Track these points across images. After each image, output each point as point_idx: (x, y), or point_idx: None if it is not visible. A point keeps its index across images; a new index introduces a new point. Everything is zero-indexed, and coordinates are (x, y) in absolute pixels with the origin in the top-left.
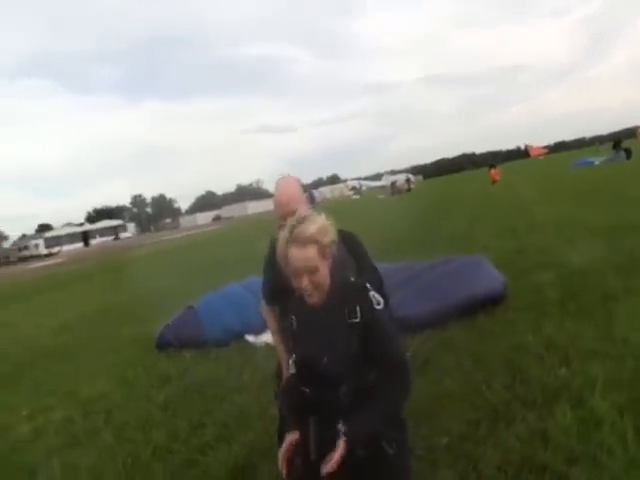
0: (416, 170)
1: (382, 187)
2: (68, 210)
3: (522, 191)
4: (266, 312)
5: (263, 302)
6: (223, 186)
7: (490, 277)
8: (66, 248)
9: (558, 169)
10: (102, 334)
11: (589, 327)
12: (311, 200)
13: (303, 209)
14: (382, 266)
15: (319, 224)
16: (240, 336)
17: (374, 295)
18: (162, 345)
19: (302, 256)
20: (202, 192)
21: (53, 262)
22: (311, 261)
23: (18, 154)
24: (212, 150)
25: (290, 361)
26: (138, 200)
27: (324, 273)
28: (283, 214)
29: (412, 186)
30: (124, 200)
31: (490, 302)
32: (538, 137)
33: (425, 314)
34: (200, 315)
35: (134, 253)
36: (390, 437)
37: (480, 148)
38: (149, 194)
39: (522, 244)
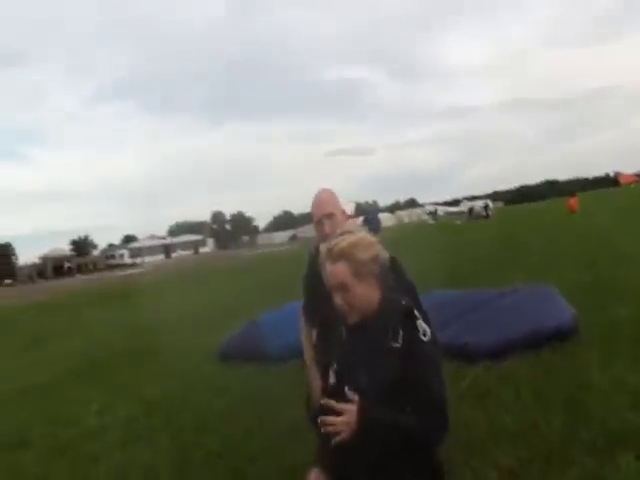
0: (496, 196)
1: (459, 213)
2: (152, 223)
3: (607, 221)
4: (304, 335)
5: (302, 323)
6: (300, 206)
7: (559, 309)
8: (148, 259)
9: None
10: (173, 341)
11: None
12: (371, 224)
13: (347, 224)
14: (448, 292)
15: (355, 238)
16: (300, 353)
17: (421, 324)
18: (225, 356)
19: (333, 272)
20: (279, 211)
21: (136, 271)
22: (341, 277)
23: (108, 170)
24: (291, 171)
25: (331, 371)
26: (218, 216)
27: (359, 293)
28: (318, 217)
29: (490, 212)
30: (205, 216)
31: (557, 335)
32: (628, 164)
33: (487, 343)
34: (263, 330)
35: (212, 266)
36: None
37: (564, 175)
38: (228, 211)
39: (601, 277)
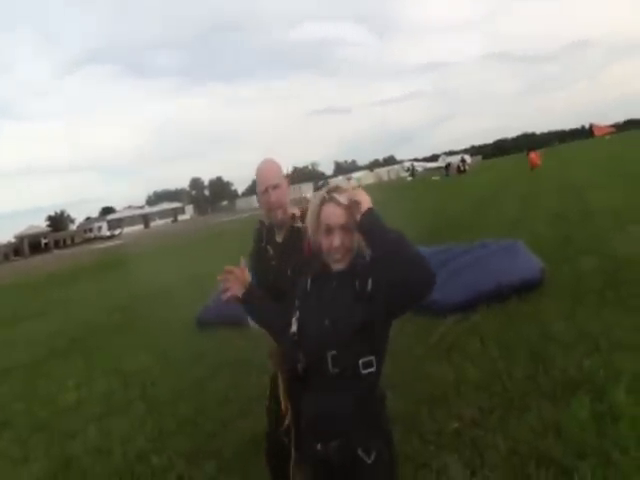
0: (475, 151)
1: (437, 168)
2: (130, 193)
3: (579, 174)
4: None
5: None
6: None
7: (525, 263)
8: (127, 230)
9: (623, 150)
10: (151, 314)
11: (626, 318)
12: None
13: (287, 197)
14: (419, 249)
15: (354, 190)
16: None
17: None
18: (201, 323)
19: (335, 213)
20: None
21: (114, 244)
22: (345, 219)
23: (82, 139)
24: (268, 133)
25: (294, 319)
26: (196, 183)
27: (354, 237)
28: (264, 188)
29: (467, 167)
30: (183, 183)
31: (524, 288)
32: (604, 116)
33: (454, 299)
34: None
35: (190, 234)
36: (368, 445)
37: (542, 128)
38: (207, 177)
39: (570, 230)
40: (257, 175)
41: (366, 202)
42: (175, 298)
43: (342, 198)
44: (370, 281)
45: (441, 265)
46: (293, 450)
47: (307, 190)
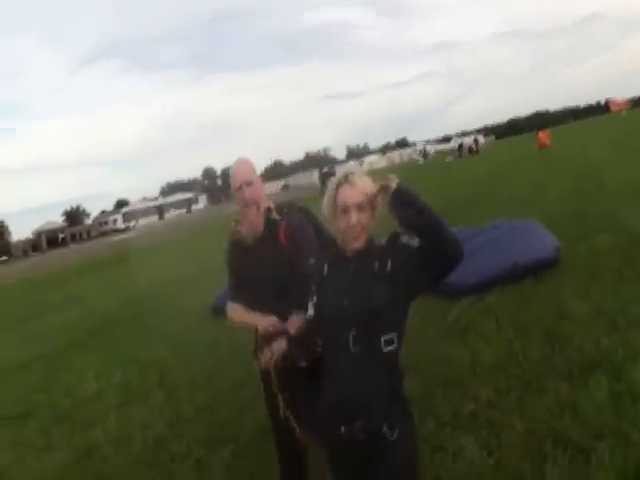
0: (488, 131)
1: (450, 150)
2: (144, 185)
3: (594, 151)
4: (235, 310)
5: (229, 304)
6: (291, 155)
7: (540, 242)
8: (142, 222)
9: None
10: (166, 304)
11: None
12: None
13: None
14: None
15: (367, 178)
16: None
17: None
18: (217, 311)
19: (351, 193)
20: (270, 162)
21: (129, 236)
22: (361, 198)
23: (94, 134)
24: (280, 120)
25: (310, 304)
26: (209, 172)
27: (370, 217)
28: (238, 184)
29: (479, 148)
30: (196, 173)
31: (539, 268)
32: (620, 90)
33: (469, 280)
34: None
35: (204, 223)
36: (392, 421)
37: (556, 105)
38: (219, 166)
39: (586, 207)
40: (231, 174)
41: (394, 180)
42: (190, 287)
43: (357, 179)
44: (389, 262)
45: None
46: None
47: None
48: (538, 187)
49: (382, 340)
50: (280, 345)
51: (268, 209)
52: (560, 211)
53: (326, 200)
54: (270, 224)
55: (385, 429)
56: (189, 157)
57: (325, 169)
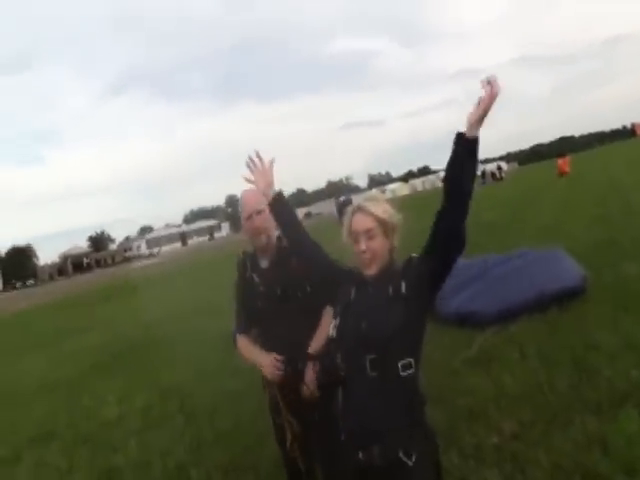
0: (511, 157)
1: None
2: (167, 212)
3: (621, 176)
4: (243, 344)
5: (238, 337)
6: (314, 183)
7: (566, 271)
8: (165, 248)
9: None
10: (188, 329)
11: None
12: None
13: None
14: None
15: (384, 204)
16: None
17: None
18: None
19: (361, 220)
20: (293, 189)
21: (152, 262)
22: (369, 224)
23: (120, 161)
24: (303, 148)
25: (331, 325)
26: (232, 200)
27: (382, 243)
28: (248, 214)
29: (503, 175)
30: (219, 201)
31: (565, 297)
32: None
33: (494, 310)
34: None
35: (227, 250)
36: (409, 447)
37: (580, 130)
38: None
39: (613, 234)
40: (241, 203)
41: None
42: (212, 313)
43: (370, 205)
44: (403, 283)
45: (479, 276)
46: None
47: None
48: (564, 214)
49: (399, 365)
50: (310, 376)
51: (279, 238)
52: (586, 238)
53: (345, 227)
54: (281, 252)
55: (402, 454)
56: (212, 185)
57: (342, 198)
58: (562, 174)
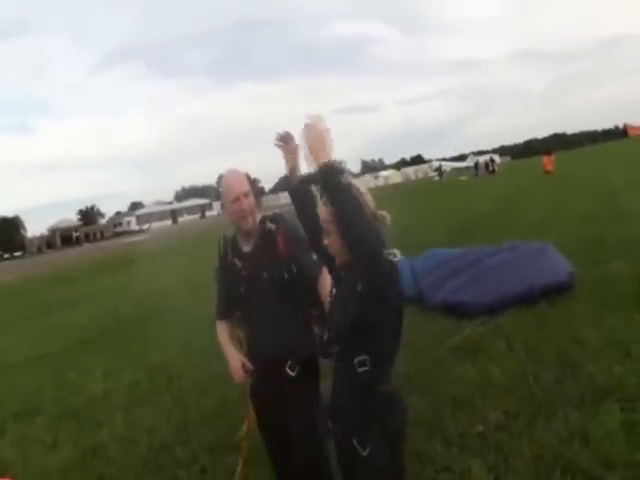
0: (504, 151)
1: (466, 168)
2: (158, 189)
3: (612, 176)
4: (220, 332)
5: (218, 323)
6: (307, 167)
7: (555, 266)
8: (155, 225)
9: None
10: (178, 306)
11: None
12: None
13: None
14: (445, 251)
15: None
16: None
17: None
18: None
19: (323, 210)
20: (285, 172)
21: (142, 238)
22: (327, 215)
23: (113, 135)
24: (297, 130)
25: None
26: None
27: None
28: (235, 196)
29: (496, 167)
30: (211, 179)
31: (553, 292)
32: (638, 116)
33: (482, 301)
34: None
35: (217, 229)
36: (364, 439)
37: (574, 128)
38: None
39: (602, 232)
40: (226, 185)
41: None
42: (200, 291)
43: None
44: (360, 280)
45: (468, 266)
46: None
47: None
48: (553, 211)
49: (355, 360)
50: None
51: (263, 220)
52: (575, 235)
53: (321, 212)
54: (265, 235)
55: (356, 443)
56: (205, 163)
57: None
58: (546, 173)
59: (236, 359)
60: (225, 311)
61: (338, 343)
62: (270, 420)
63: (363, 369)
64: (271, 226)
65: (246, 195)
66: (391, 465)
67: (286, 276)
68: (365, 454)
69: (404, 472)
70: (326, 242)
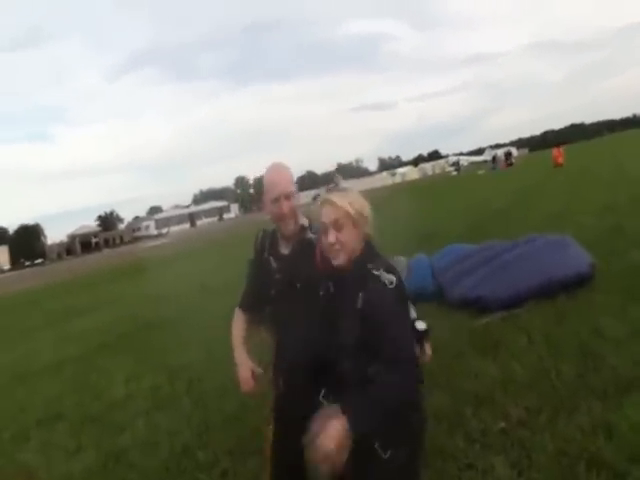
0: (522, 143)
1: (483, 162)
2: (176, 193)
3: (630, 165)
4: (236, 322)
5: (237, 310)
6: (324, 166)
7: (574, 258)
8: (174, 229)
9: None
10: (198, 309)
11: None
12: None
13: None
14: (463, 247)
15: (355, 195)
16: None
17: (384, 275)
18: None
19: (330, 211)
20: (303, 172)
21: (161, 242)
22: (339, 215)
23: (130, 141)
24: (313, 130)
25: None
26: (241, 181)
27: (351, 235)
28: (276, 196)
29: (513, 160)
30: (228, 182)
31: (573, 284)
32: None
33: (501, 295)
34: None
35: (235, 232)
36: (386, 443)
37: (591, 118)
38: (252, 175)
39: (621, 222)
40: (267, 182)
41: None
42: (221, 295)
43: (336, 197)
44: (360, 297)
45: (487, 261)
46: None
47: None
48: (573, 201)
49: (369, 371)
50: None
51: (302, 228)
52: (594, 226)
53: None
54: (304, 244)
55: (377, 446)
56: (222, 166)
57: (315, 194)
58: (556, 165)
59: (245, 368)
60: (250, 304)
61: (348, 359)
62: (287, 445)
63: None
64: (312, 236)
65: (287, 197)
66: (410, 465)
67: (321, 292)
68: (386, 457)
69: (421, 471)
70: (334, 238)
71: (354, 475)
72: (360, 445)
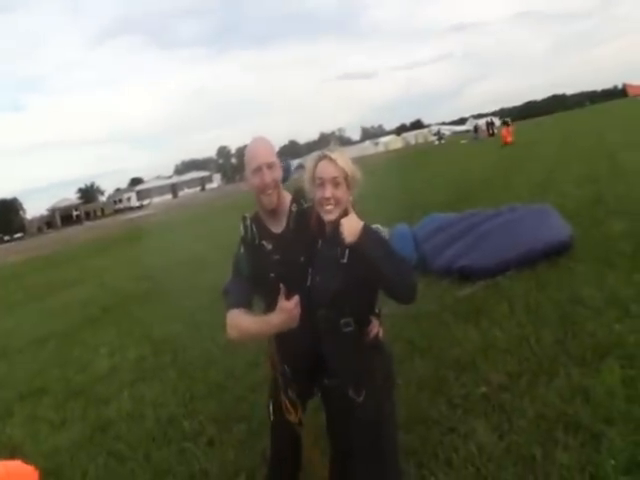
0: (503, 113)
1: (466, 132)
2: (158, 164)
3: (612, 136)
4: (238, 318)
5: (231, 312)
6: (306, 135)
7: (555, 227)
8: (156, 200)
9: None
10: (180, 282)
11: None
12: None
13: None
14: (446, 215)
15: (348, 157)
16: None
17: (380, 228)
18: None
19: (328, 168)
20: (285, 141)
21: (143, 214)
22: (336, 173)
23: (110, 111)
24: (295, 99)
25: (309, 272)
26: (223, 151)
27: (345, 194)
28: (257, 165)
29: (495, 130)
30: (210, 152)
31: (553, 253)
32: (638, 75)
33: (483, 264)
34: None
35: (217, 203)
36: (358, 388)
37: (573, 89)
38: (234, 145)
39: (601, 192)
40: (249, 153)
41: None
42: (204, 266)
43: (336, 156)
44: (347, 253)
45: (469, 231)
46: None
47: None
48: (555, 170)
49: (341, 322)
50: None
51: (293, 199)
52: (575, 194)
53: (307, 175)
54: (299, 215)
55: (351, 393)
56: (204, 135)
57: (299, 163)
58: (505, 144)
59: (282, 304)
60: (247, 301)
61: (324, 308)
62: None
63: (348, 329)
64: (305, 205)
65: (270, 166)
66: (385, 403)
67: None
68: (360, 400)
69: (396, 409)
70: (330, 194)
71: (337, 428)
72: (335, 399)
